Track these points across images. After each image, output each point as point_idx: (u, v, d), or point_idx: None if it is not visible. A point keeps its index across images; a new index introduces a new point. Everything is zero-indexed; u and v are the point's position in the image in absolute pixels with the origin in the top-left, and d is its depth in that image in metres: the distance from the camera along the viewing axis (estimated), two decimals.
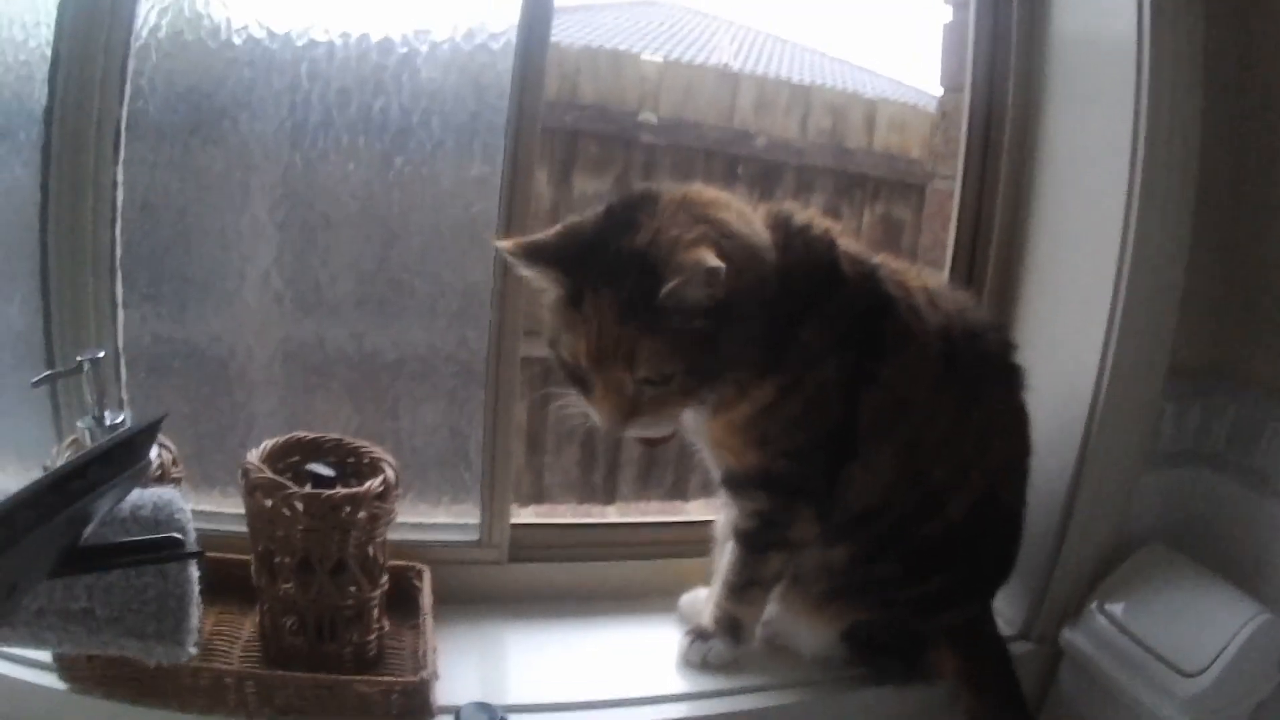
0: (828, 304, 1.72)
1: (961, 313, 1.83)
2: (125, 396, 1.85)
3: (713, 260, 1.50)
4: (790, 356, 1.67)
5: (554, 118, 3.91)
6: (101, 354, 1.55)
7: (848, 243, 1.78)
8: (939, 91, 2.44)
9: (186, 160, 1.84)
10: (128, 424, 1.55)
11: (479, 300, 1.96)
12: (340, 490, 1.57)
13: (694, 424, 1.76)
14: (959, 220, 2.29)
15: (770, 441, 1.74)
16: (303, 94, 1.86)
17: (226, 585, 1.73)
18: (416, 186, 1.93)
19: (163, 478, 1.55)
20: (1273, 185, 2.06)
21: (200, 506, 1.85)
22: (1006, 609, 2.04)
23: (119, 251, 1.82)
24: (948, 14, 2.34)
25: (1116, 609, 1.98)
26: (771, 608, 1.90)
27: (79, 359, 1.52)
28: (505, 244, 1.64)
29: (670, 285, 1.50)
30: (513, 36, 1.87)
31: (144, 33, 1.77)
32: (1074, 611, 2.05)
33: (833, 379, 1.73)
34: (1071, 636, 2.02)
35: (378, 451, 1.73)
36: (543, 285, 1.67)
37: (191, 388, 1.92)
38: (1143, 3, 1.91)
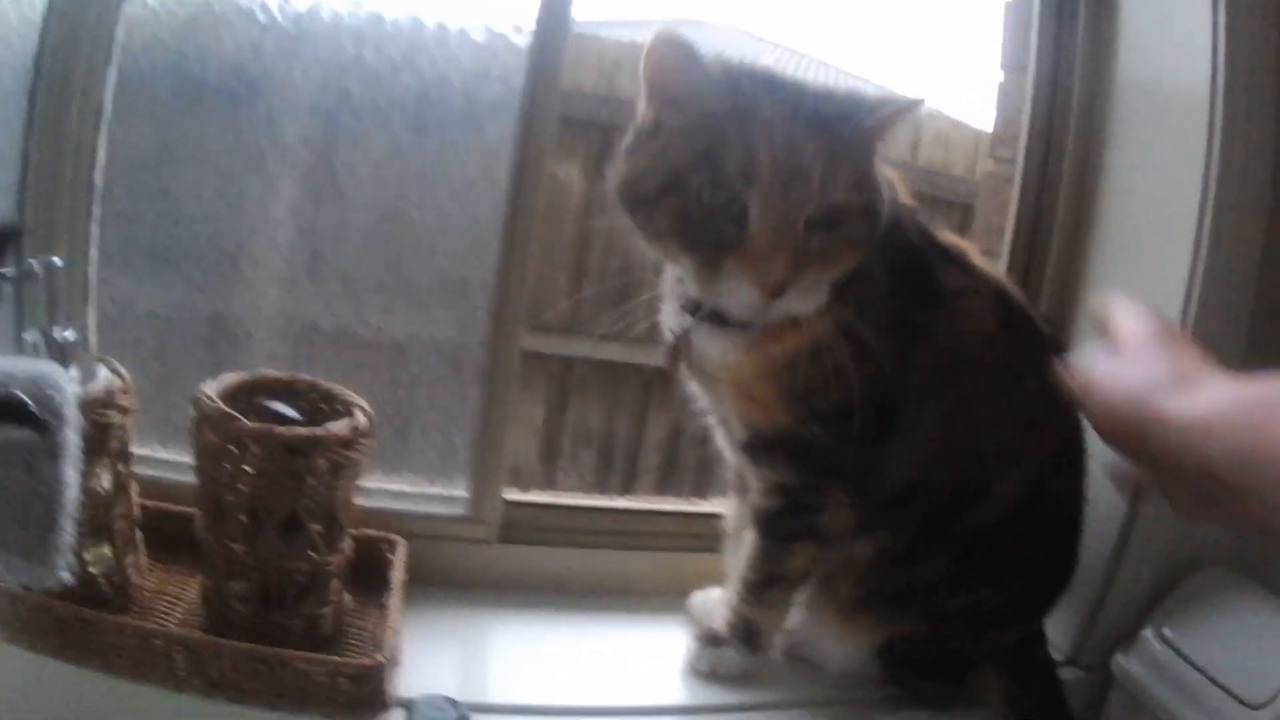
0: (891, 241, 1.52)
1: (1016, 289, 1.70)
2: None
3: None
4: (855, 286, 1.49)
5: (589, 110, 3.82)
6: (58, 261, 1.45)
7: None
8: (999, 77, 2.31)
9: (189, 126, 1.83)
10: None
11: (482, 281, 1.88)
12: (297, 429, 1.41)
13: (725, 361, 1.55)
14: (1020, 204, 2.17)
15: (807, 397, 1.54)
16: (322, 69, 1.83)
17: (180, 542, 1.58)
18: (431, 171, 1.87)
19: (105, 403, 1.41)
20: None
21: (166, 455, 1.77)
22: (1053, 633, 1.90)
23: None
24: None
25: (1174, 634, 1.86)
26: (796, 613, 1.72)
27: (30, 261, 1.42)
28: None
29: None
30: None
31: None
32: (1127, 636, 1.92)
33: (885, 325, 1.53)
34: (1124, 663, 1.89)
35: (352, 396, 1.57)
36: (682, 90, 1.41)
37: (178, 345, 1.87)
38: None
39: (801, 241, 1.36)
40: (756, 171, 1.32)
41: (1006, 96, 2.24)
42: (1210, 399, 1.11)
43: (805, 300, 1.42)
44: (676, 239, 1.42)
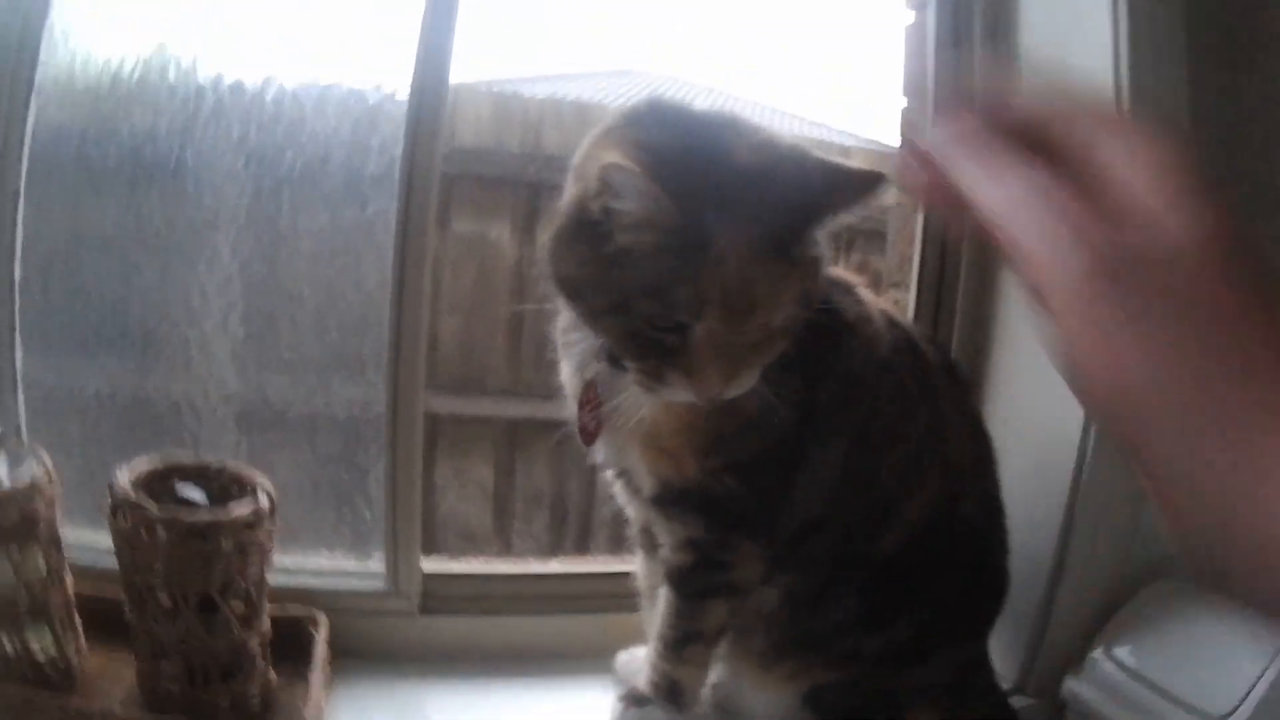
0: None
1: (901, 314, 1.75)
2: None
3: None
4: None
5: (517, 169, 3.80)
6: None
7: None
8: (901, 101, 2.28)
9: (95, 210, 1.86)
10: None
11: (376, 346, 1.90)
12: (200, 515, 1.48)
13: (640, 414, 1.51)
14: (925, 232, 2.21)
15: (720, 447, 1.54)
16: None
17: (115, 624, 1.59)
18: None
19: (31, 494, 1.46)
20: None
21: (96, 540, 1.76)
22: (998, 661, 1.88)
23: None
24: (909, 16, 2.23)
25: (1124, 652, 1.87)
26: (719, 666, 1.72)
27: None
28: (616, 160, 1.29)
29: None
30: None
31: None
32: (1076, 659, 1.92)
33: (791, 363, 1.48)
34: (1075, 687, 1.89)
35: (258, 478, 1.63)
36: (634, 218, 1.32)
37: (96, 419, 1.89)
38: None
39: (742, 355, 1.38)
40: (705, 310, 1.32)
41: (910, 124, 2.23)
42: None
43: (742, 387, 1.42)
44: (618, 344, 1.43)
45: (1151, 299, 0.63)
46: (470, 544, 4.34)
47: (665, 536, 1.64)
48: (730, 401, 1.42)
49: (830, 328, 1.53)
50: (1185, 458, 0.63)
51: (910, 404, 1.63)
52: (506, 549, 4.41)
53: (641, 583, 1.80)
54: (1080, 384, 0.68)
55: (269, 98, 1.82)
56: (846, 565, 1.62)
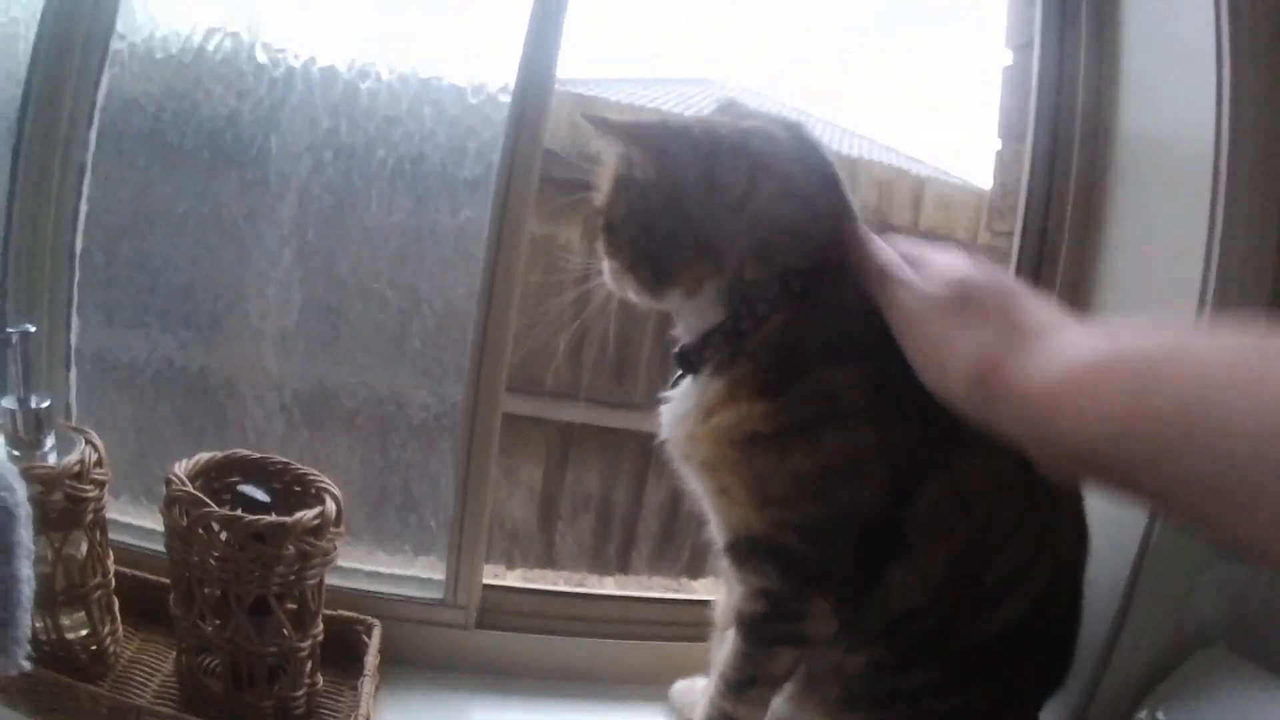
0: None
1: None
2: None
3: None
4: (797, 383, 1.49)
5: (590, 173, 3.75)
6: (32, 328, 1.49)
7: None
8: (997, 144, 2.28)
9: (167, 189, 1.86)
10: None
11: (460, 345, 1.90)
12: (263, 517, 1.45)
13: (684, 427, 1.55)
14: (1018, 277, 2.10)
15: (774, 504, 1.51)
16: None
17: (158, 610, 1.60)
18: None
19: (79, 476, 1.44)
20: None
21: (148, 522, 1.80)
22: (1048, 714, 1.82)
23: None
24: (1008, 58, 2.23)
25: (1169, 716, 1.84)
26: (780, 705, 1.68)
27: (8, 330, 1.47)
28: None
29: None
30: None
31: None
32: (1122, 718, 1.90)
33: (871, 444, 1.48)
34: None
35: (325, 481, 1.62)
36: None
37: (152, 400, 1.89)
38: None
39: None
40: None
41: (1005, 165, 2.22)
42: (1059, 364, 1.06)
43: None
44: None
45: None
46: (513, 544, 4.35)
47: (739, 584, 1.61)
48: (781, 457, 1.47)
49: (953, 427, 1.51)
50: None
51: (1028, 511, 1.57)
52: (549, 551, 4.41)
53: (718, 614, 1.76)
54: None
55: (364, 88, 1.81)
56: (937, 646, 1.58)
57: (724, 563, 1.62)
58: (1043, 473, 1.34)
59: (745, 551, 1.56)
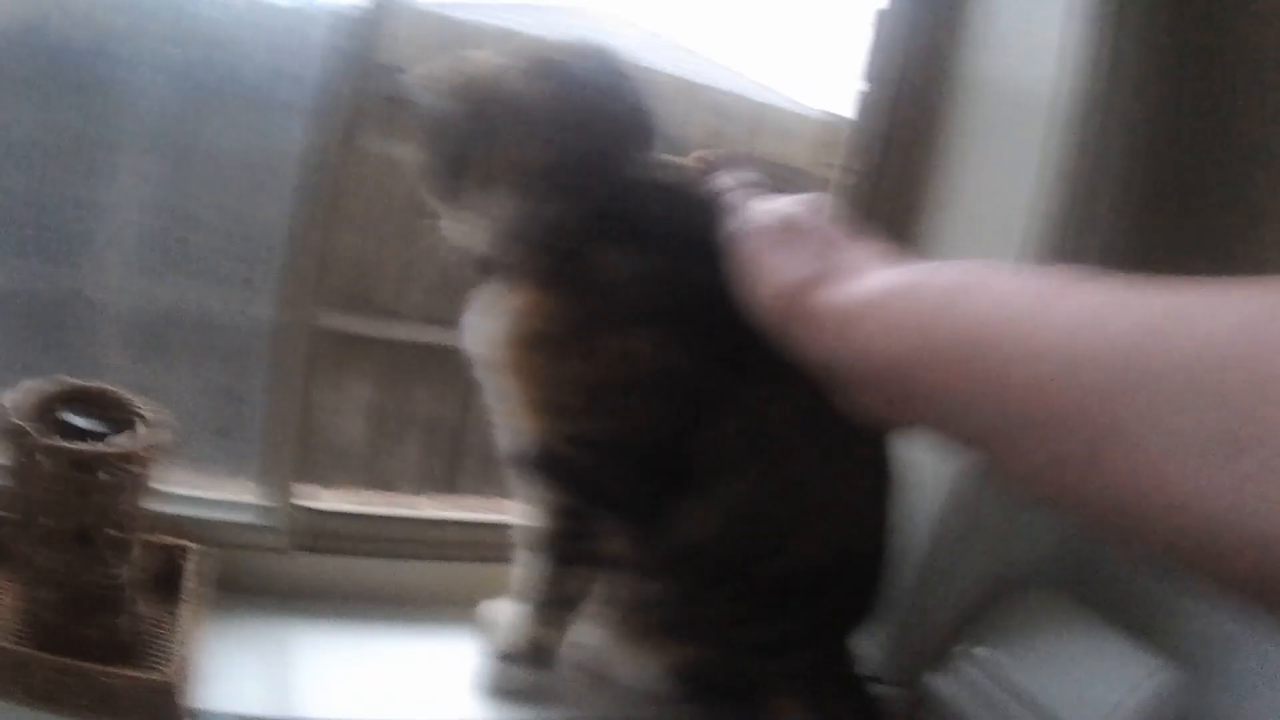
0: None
1: None
2: None
3: None
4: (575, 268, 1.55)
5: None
6: None
7: None
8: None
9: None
10: None
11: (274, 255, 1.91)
12: (82, 445, 1.46)
13: (480, 329, 1.61)
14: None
15: (554, 413, 1.56)
16: None
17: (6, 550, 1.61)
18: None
19: None
20: (1200, 217, 2.07)
21: None
22: (861, 647, 1.88)
23: None
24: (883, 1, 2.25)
25: (989, 654, 1.91)
26: (588, 629, 1.75)
27: None
28: None
29: None
30: None
31: None
32: (938, 655, 1.97)
33: (649, 357, 1.52)
34: (934, 682, 1.95)
35: (146, 408, 1.60)
36: None
37: None
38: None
39: None
40: None
41: (867, 107, 2.25)
42: (863, 289, 1.14)
43: None
44: None
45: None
46: (341, 461, 4.36)
47: (530, 499, 1.66)
48: (559, 361, 1.52)
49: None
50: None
51: (830, 450, 1.60)
52: (377, 470, 4.42)
53: (518, 535, 1.77)
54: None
55: (194, 12, 1.80)
56: (731, 578, 1.63)
57: (517, 475, 1.65)
58: (841, 411, 1.34)
59: (533, 464, 1.60)
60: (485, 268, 1.63)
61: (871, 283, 1.15)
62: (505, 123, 1.55)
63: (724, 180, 1.53)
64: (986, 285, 1.01)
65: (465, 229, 1.64)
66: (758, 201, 1.43)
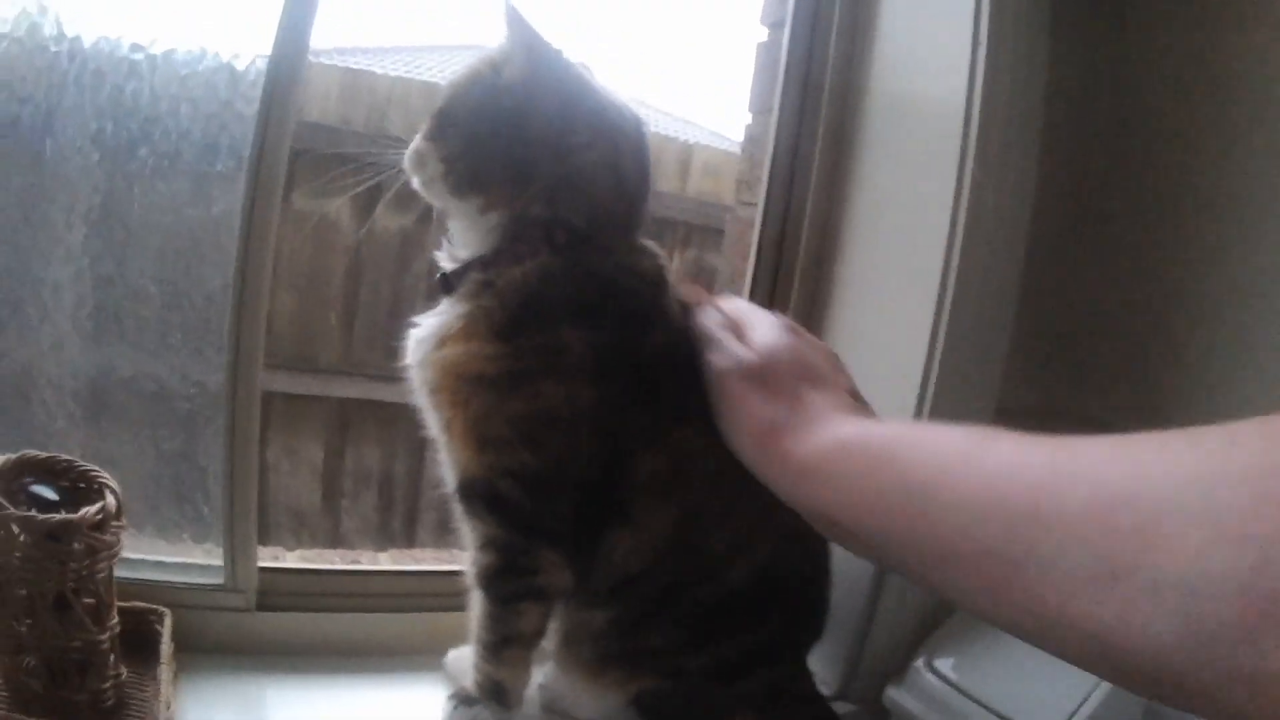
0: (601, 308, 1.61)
1: None
2: None
3: None
4: (532, 335, 1.59)
5: (360, 147, 3.78)
6: None
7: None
8: (746, 118, 2.42)
9: None
10: None
11: (217, 322, 1.93)
12: (54, 516, 1.52)
13: (418, 356, 1.66)
14: (759, 250, 2.30)
15: (491, 445, 1.60)
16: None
17: None
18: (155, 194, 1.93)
19: None
20: (1107, 222, 2.16)
21: None
22: (821, 667, 1.96)
23: None
24: (763, 34, 2.36)
25: (946, 665, 1.96)
26: (548, 667, 1.80)
27: None
28: None
29: None
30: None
31: None
32: (898, 669, 2.02)
33: (590, 402, 1.59)
34: (896, 695, 1.99)
35: (105, 477, 1.66)
36: None
37: None
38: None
39: None
40: None
41: (753, 139, 2.33)
42: (820, 441, 1.29)
43: None
44: None
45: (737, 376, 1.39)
46: (299, 522, 4.37)
47: (469, 535, 1.69)
48: (500, 400, 1.56)
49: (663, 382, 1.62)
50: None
51: (749, 483, 1.54)
52: (335, 529, 4.44)
53: (468, 582, 1.78)
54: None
55: (128, 90, 1.84)
56: (669, 605, 1.66)
57: (456, 510, 1.69)
58: None
59: (468, 495, 1.64)
60: (446, 287, 1.67)
61: (826, 436, 1.30)
62: (533, 141, 1.59)
63: (710, 315, 1.59)
64: (920, 440, 1.19)
65: (455, 228, 1.70)
66: (742, 329, 1.55)
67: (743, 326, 1.55)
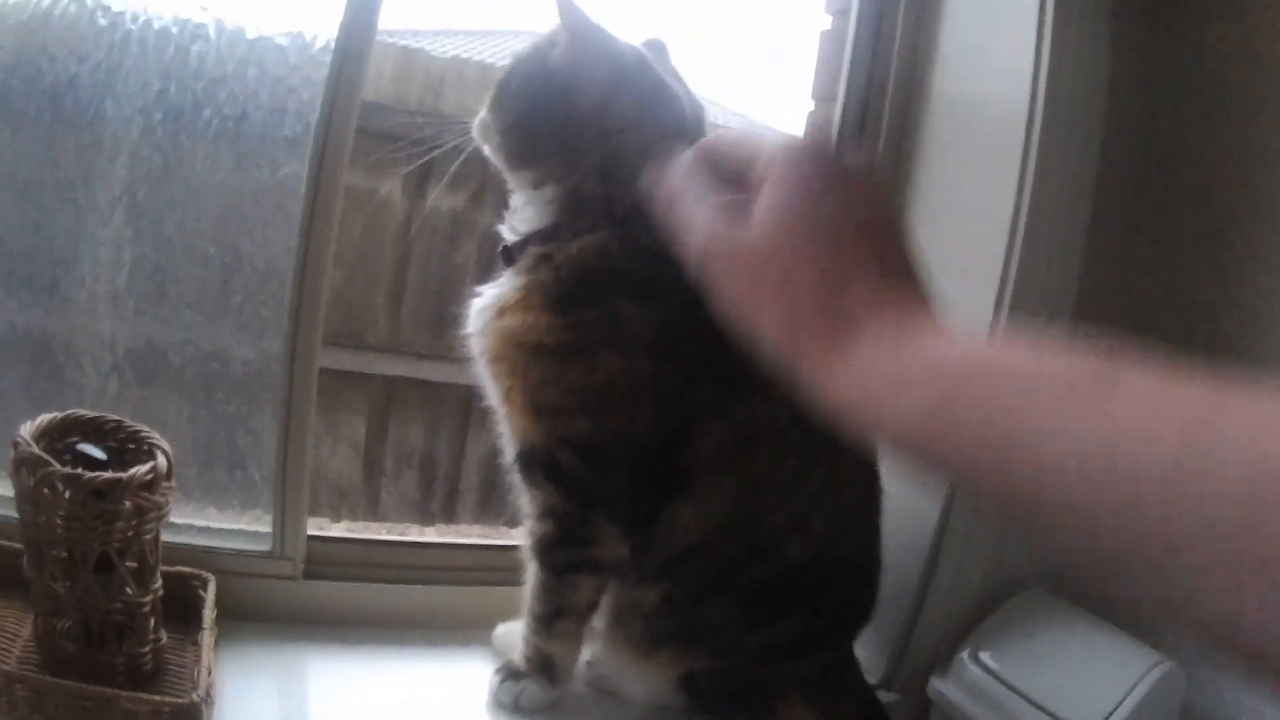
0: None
1: None
2: None
3: None
4: (588, 308, 1.61)
5: (413, 127, 3.78)
6: None
7: None
8: (809, 106, 2.39)
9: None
10: None
11: (277, 288, 1.92)
12: (101, 474, 1.48)
13: (479, 326, 1.69)
14: None
15: (550, 413, 1.63)
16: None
17: (13, 578, 1.62)
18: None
19: None
20: (1166, 223, 2.12)
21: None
22: (866, 657, 1.96)
23: None
24: (826, 22, 2.33)
25: (991, 658, 1.94)
26: (596, 646, 1.80)
27: None
28: None
29: None
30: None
31: None
32: (943, 660, 2.00)
33: (648, 374, 1.61)
34: (940, 686, 1.98)
35: (156, 438, 1.65)
36: None
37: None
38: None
39: None
40: None
41: (816, 127, 2.30)
42: (868, 374, 0.94)
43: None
44: None
45: (735, 268, 1.04)
46: (339, 498, 4.37)
47: (528, 504, 1.71)
48: (560, 370, 1.60)
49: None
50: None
51: (813, 456, 1.67)
52: (374, 506, 4.43)
53: (525, 554, 1.81)
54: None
55: (193, 50, 1.83)
56: (726, 581, 1.68)
57: (515, 479, 1.71)
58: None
59: (527, 464, 1.67)
60: (508, 259, 1.70)
61: (874, 368, 0.93)
62: (579, 120, 1.62)
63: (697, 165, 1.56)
64: (1009, 362, 0.86)
65: (515, 201, 1.72)
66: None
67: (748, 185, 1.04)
